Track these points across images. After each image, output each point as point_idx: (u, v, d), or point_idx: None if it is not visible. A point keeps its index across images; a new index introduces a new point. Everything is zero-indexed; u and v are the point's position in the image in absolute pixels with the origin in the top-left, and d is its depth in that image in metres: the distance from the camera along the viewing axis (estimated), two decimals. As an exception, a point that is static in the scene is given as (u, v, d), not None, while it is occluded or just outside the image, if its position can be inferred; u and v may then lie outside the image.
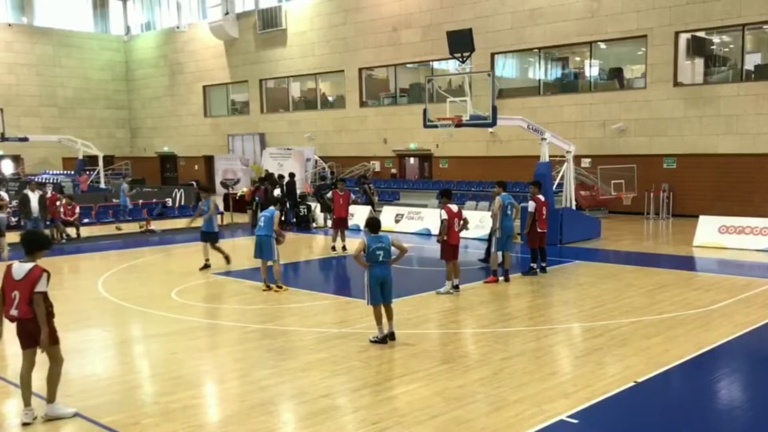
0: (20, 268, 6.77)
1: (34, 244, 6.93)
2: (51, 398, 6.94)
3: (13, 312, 6.75)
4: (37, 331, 6.71)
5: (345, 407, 7.18)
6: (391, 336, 9.39)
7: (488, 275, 13.81)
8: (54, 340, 6.85)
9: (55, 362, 6.93)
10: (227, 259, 15.44)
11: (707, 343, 9.19)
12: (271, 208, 13.44)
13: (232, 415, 7.02)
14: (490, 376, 7.95)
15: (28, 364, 6.88)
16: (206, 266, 15.28)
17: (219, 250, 15.41)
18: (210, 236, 15.34)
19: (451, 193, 13.33)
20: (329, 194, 18.46)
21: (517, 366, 8.34)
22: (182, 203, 28.66)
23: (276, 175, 25.59)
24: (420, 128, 20.24)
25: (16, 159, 42.54)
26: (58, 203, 20.82)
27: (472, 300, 12.10)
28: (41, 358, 6.97)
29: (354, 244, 10.26)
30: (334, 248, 17.82)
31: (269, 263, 13.20)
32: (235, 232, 22.89)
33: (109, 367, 8.84)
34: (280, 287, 12.99)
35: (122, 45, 47.42)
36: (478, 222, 19.24)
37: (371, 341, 9.33)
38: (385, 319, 9.39)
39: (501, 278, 13.57)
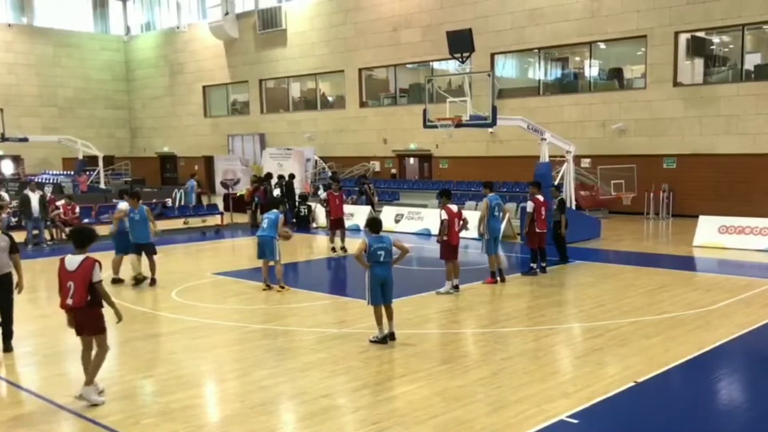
0: (73, 260, 7.30)
1: (84, 239, 7.50)
2: (89, 381, 7.29)
3: (69, 301, 7.18)
4: (85, 320, 7.23)
5: (345, 407, 7.18)
6: (391, 336, 9.39)
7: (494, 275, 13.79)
8: (101, 329, 7.29)
9: (101, 348, 7.34)
10: (153, 279, 13.71)
11: (707, 343, 9.19)
12: (275, 211, 13.43)
13: (232, 415, 7.02)
14: (490, 376, 7.95)
15: (86, 348, 7.40)
16: (139, 280, 13.68)
17: (152, 264, 13.65)
18: (147, 247, 13.63)
19: (451, 193, 13.31)
20: (324, 195, 18.35)
21: (517, 366, 8.33)
22: (182, 203, 28.66)
23: (276, 176, 25.59)
24: (420, 128, 20.23)
25: (16, 159, 42.52)
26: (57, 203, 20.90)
27: (472, 300, 12.11)
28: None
29: (355, 244, 10.25)
30: (333, 249, 17.78)
31: (270, 263, 13.22)
32: (236, 232, 22.89)
33: (110, 367, 8.82)
34: (282, 287, 13.00)
35: (122, 45, 47.41)
36: (478, 222, 19.21)
37: (371, 341, 9.33)
38: (385, 320, 9.39)
39: (493, 276, 13.53)
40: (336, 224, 17.84)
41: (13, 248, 9.08)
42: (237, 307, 11.98)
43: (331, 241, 17.90)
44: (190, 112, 43.49)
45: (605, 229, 20.15)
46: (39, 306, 12.31)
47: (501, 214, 13.89)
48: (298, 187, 27.98)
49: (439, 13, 30.02)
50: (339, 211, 17.86)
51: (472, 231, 17.95)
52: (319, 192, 29.10)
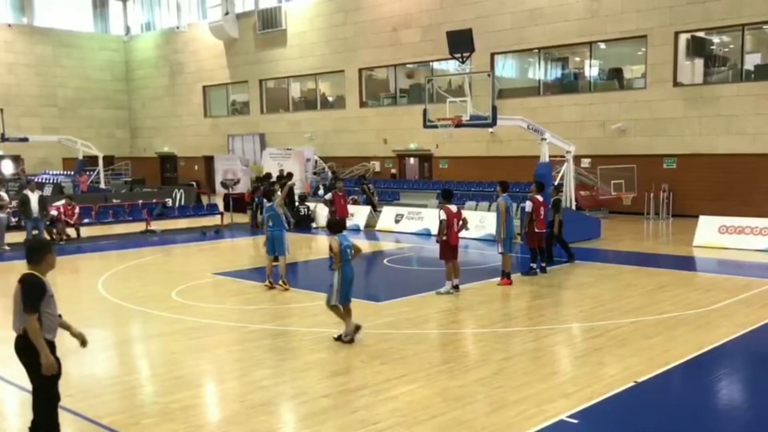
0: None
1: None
2: None
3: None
4: None
5: (345, 407, 7.17)
6: (357, 328, 9.43)
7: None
8: None
9: None
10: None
11: (707, 343, 9.19)
12: (268, 205, 13.56)
13: (232, 415, 7.02)
14: (490, 376, 7.95)
15: None
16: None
17: None
18: None
19: (451, 194, 13.25)
20: (329, 195, 18.25)
21: (517, 366, 8.33)
22: (182, 203, 28.67)
23: (276, 175, 25.57)
24: (420, 128, 20.23)
25: (16, 159, 42.52)
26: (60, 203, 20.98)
27: (472, 300, 12.10)
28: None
29: (355, 244, 10.19)
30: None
31: (274, 264, 13.26)
32: (236, 232, 22.88)
33: (109, 367, 8.84)
34: (284, 284, 13.07)
35: (122, 45, 47.41)
36: (478, 222, 19.24)
37: (343, 341, 9.28)
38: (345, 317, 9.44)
39: (508, 277, 13.44)
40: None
41: (24, 305, 6.12)
42: (237, 307, 11.98)
43: None
44: (190, 112, 43.49)
45: (605, 229, 20.14)
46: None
47: (513, 213, 13.87)
48: (298, 187, 27.96)
49: (439, 13, 30.02)
50: (345, 211, 17.77)
51: (473, 231, 18.03)
52: (320, 192, 29.14)
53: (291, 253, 13.86)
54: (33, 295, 5.81)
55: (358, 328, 9.45)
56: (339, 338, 9.42)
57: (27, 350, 5.83)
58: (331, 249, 9.51)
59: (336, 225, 9.88)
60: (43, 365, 5.79)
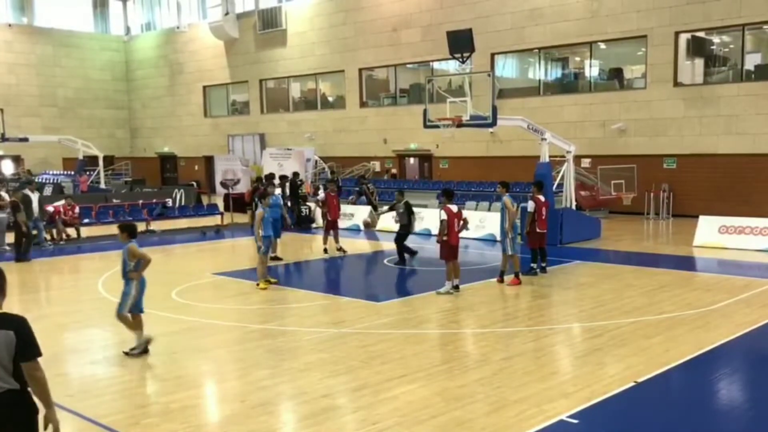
0: None
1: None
2: None
3: None
4: None
5: (345, 407, 7.18)
6: (148, 342, 9.11)
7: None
8: None
9: None
10: None
11: (707, 343, 9.19)
12: (276, 196, 13.68)
13: (232, 415, 7.02)
14: (490, 376, 7.95)
15: None
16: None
17: None
18: None
19: (452, 193, 13.24)
20: (321, 195, 18.18)
21: (517, 366, 8.33)
22: (182, 203, 28.66)
23: (278, 176, 25.58)
24: (420, 128, 20.23)
25: (17, 159, 42.53)
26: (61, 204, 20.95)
27: (472, 300, 12.10)
28: None
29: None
30: (326, 250, 17.57)
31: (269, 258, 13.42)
32: (236, 232, 22.88)
33: (109, 367, 8.83)
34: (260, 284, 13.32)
35: (122, 45, 47.41)
36: (478, 222, 19.23)
37: (130, 354, 8.93)
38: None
39: (518, 276, 13.43)
40: (332, 225, 17.69)
41: (28, 351, 4.41)
42: (237, 307, 11.98)
43: (324, 242, 17.75)
44: (190, 112, 43.50)
45: (605, 229, 20.13)
46: (39, 306, 12.31)
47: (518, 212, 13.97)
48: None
49: (439, 13, 30.02)
50: (336, 213, 17.73)
51: (473, 231, 18.01)
52: (319, 192, 29.16)
53: (290, 253, 13.88)
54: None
55: (149, 340, 9.10)
56: (129, 352, 8.97)
57: (27, 409, 4.51)
58: (133, 255, 8.91)
59: (135, 230, 9.24)
60: (55, 424, 4.58)
